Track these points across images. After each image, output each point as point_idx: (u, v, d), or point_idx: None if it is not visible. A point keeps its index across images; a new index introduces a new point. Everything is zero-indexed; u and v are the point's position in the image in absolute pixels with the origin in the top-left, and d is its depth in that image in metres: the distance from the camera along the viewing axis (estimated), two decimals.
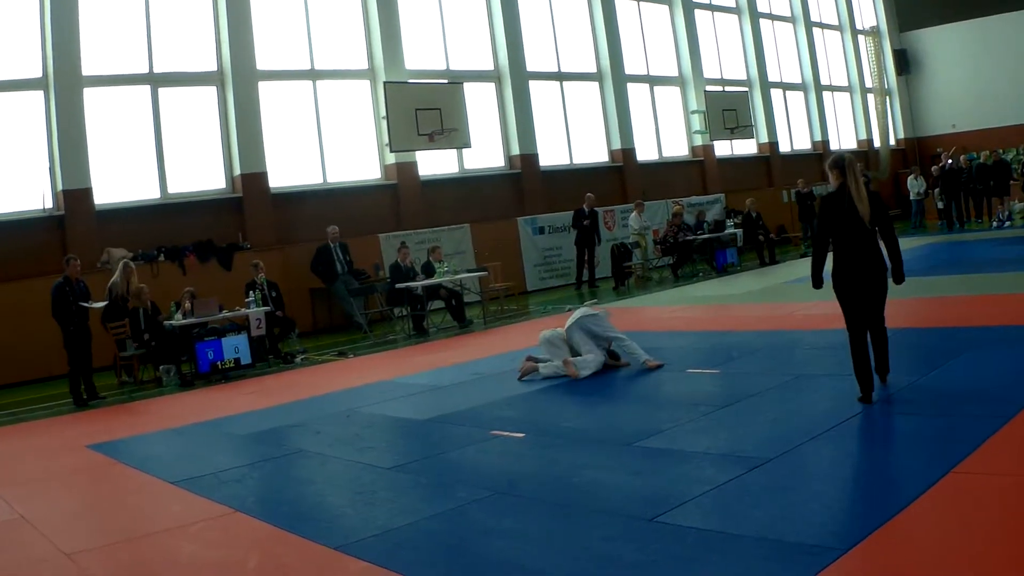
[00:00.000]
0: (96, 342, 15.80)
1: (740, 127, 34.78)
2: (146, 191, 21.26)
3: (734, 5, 37.34)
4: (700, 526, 6.35)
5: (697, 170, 33.84)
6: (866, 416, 8.61)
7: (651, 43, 33.55)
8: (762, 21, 38.26)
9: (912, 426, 8.27)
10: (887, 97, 44.02)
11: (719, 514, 6.65)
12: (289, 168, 23.49)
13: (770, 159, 37.26)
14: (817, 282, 10.03)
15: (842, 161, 9.79)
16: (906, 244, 26.22)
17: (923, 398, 9.15)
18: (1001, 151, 35.33)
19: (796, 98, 40.32)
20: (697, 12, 35.13)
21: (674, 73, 34.26)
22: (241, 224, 22.01)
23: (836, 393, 9.74)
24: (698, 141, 34.24)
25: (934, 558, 5.44)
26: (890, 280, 9.54)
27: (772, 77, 38.44)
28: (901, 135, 45.26)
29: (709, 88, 34.49)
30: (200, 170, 22.15)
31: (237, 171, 22.23)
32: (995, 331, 12.05)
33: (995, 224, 22.32)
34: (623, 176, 30.99)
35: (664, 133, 33.81)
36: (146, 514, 8.28)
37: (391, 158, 24.87)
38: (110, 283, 16.97)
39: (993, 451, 7.08)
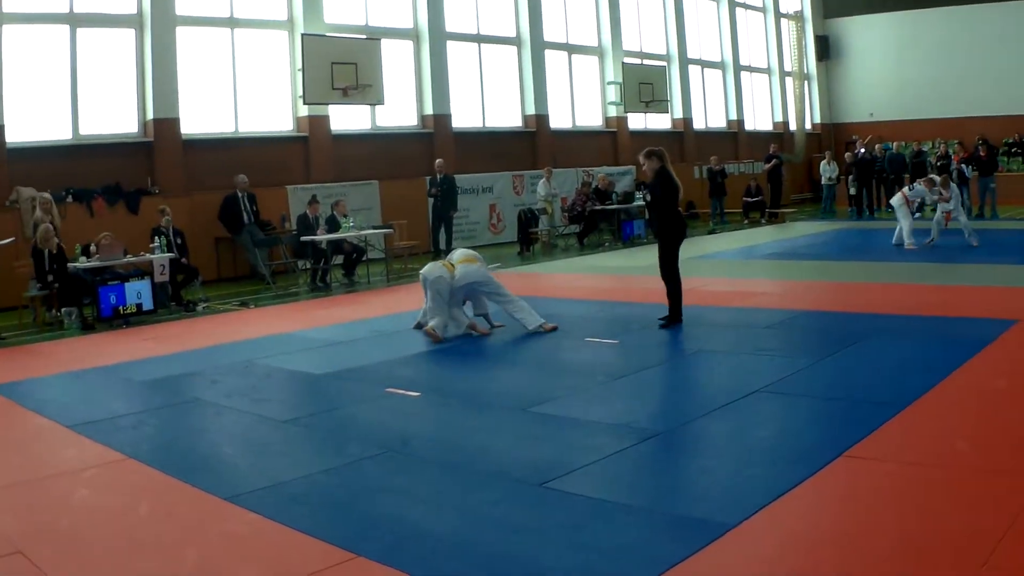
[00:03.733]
0: None
1: (656, 101, 34.95)
2: (58, 131, 21.00)
3: None
4: (588, 494, 6.50)
5: (609, 141, 34.00)
6: (761, 396, 8.78)
7: (571, 11, 33.54)
8: None
9: (807, 408, 8.53)
10: (806, 81, 44.48)
11: (609, 483, 6.83)
12: (202, 115, 23.28)
13: (683, 135, 37.46)
14: None
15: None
16: (815, 228, 27.04)
17: (821, 381, 9.43)
18: (920, 143, 35.91)
19: (714, 76, 40.52)
20: None
21: (593, 43, 34.32)
22: (151, 169, 21.83)
23: (734, 370, 10.00)
24: (612, 112, 34.34)
25: (816, 539, 5.67)
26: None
27: (692, 54, 38.57)
28: (817, 120, 45.70)
29: (627, 60, 34.58)
30: (113, 113, 21.90)
31: (150, 116, 22.00)
32: (895, 319, 12.37)
33: (890, 210, 22.91)
34: (535, 142, 31.05)
35: (579, 102, 33.88)
36: (41, 457, 8.31)
37: (304, 111, 24.76)
38: (34, 219, 16.91)
39: (884, 438, 7.31)
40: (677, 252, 12.96)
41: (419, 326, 13.46)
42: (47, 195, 17.76)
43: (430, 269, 13.23)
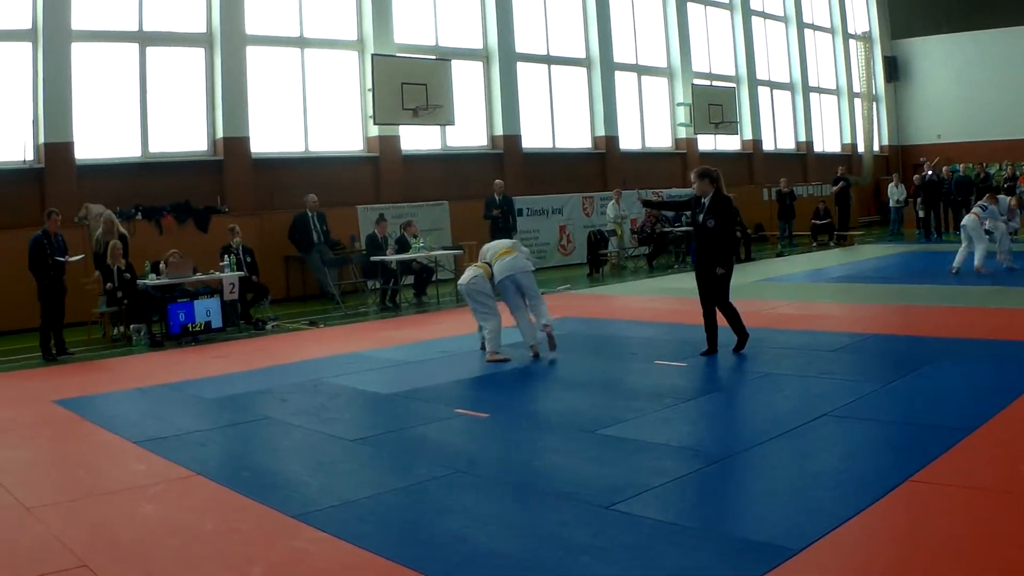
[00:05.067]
0: (69, 297, 15.78)
1: (725, 122, 34.85)
2: (128, 149, 21.19)
3: (727, 1, 37.28)
4: (655, 516, 6.35)
5: (679, 163, 33.82)
6: (828, 420, 8.58)
7: (642, 32, 33.54)
8: (754, 19, 38.25)
9: (874, 432, 8.28)
10: (874, 103, 44.09)
11: (675, 506, 6.68)
12: (272, 134, 23.46)
13: (752, 156, 37.32)
14: None
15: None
16: (883, 251, 26.65)
17: (887, 406, 9.16)
18: (985, 165, 35.42)
19: (783, 97, 40.34)
20: (690, 5, 35.12)
21: (663, 64, 34.27)
22: (220, 187, 21.99)
23: (800, 394, 9.79)
24: (682, 134, 34.25)
25: (882, 565, 5.47)
26: None
27: (760, 75, 38.46)
28: (885, 142, 45.32)
29: (697, 82, 34.51)
30: (182, 131, 22.10)
31: (220, 134, 22.19)
32: (962, 343, 12.09)
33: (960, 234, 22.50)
34: (604, 163, 31.03)
35: (649, 123, 33.84)
36: (108, 472, 8.28)
37: (374, 130, 24.88)
38: (95, 237, 17.00)
39: (951, 463, 7.10)
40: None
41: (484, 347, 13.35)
42: (110, 212, 17.82)
43: (463, 277, 13.12)
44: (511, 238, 23.96)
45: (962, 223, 20.89)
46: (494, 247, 13.46)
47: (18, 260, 15.53)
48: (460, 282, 13.23)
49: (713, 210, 12.01)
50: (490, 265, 13.02)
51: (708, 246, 12.04)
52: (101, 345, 16.43)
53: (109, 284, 16.48)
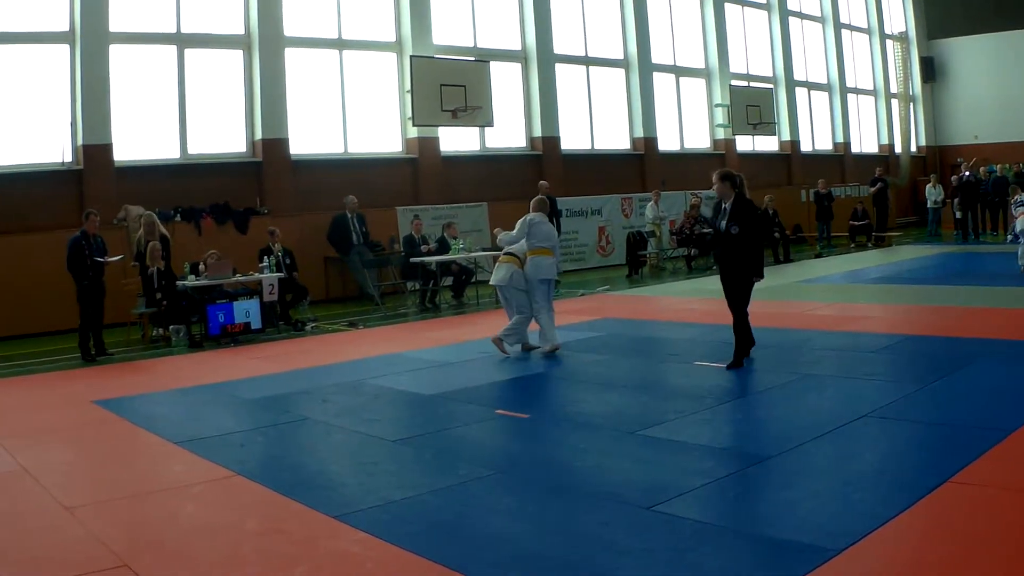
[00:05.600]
0: (108, 299, 15.82)
1: (763, 123, 34.72)
2: (166, 150, 21.28)
3: (765, 1, 37.15)
4: (696, 517, 6.36)
5: (718, 163, 33.44)
6: (868, 421, 8.53)
7: (679, 33, 33.44)
8: (791, 19, 38.10)
9: (914, 433, 8.24)
10: (911, 103, 43.85)
11: (716, 507, 6.70)
12: (310, 136, 23.48)
13: (791, 157, 37.16)
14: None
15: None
16: (921, 252, 26.47)
17: (927, 407, 9.12)
18: (1022, 165, 35.09)
19: (820, 98, 40.15)
20: (727, 6, 35.04)
21: (700, 65, 34.17)
22: (259, 189, 22.03)
23: (841, 395, 9.75)
24: (720, 135, 34.15)
25: (922, 565, 5.44)
26: None
27: (798, 75, 38.29)
28: (923, 142, 45.11)
29: (734, 82, 34.42)
30: (221, 133, 22.17)
31: (258, 135, 22.23)
32: (1002, 344, 12.00)
33: (1009, 238, 22.17)
34: (643, 164, 30.94)
35: (687, 124, 33.75)
36: (148, 472, 8.31)
37: (413, 132, 24.87)
38: (136, 238, 17.03)
39: (991, 463, 7.06)
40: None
41: (526, 348, 13.31)
42: (150, 213, 17.84)
43: (500, 275, 13.18)
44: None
45: (1017, 222, 20.54)
46: (538, 235, 13.35)
47: (57, 261, 15.54)
48: (497, 281, 13.22)
49: (736, 216, 11.39)
50: (518, 257, 13.05)
51: (732, 254, 11.49)
52: (140, 346, 16.48)
53: (143, 269, 16.57)
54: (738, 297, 11.58)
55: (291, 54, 22.98)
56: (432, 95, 24.13)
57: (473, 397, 10.74)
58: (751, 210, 11.59)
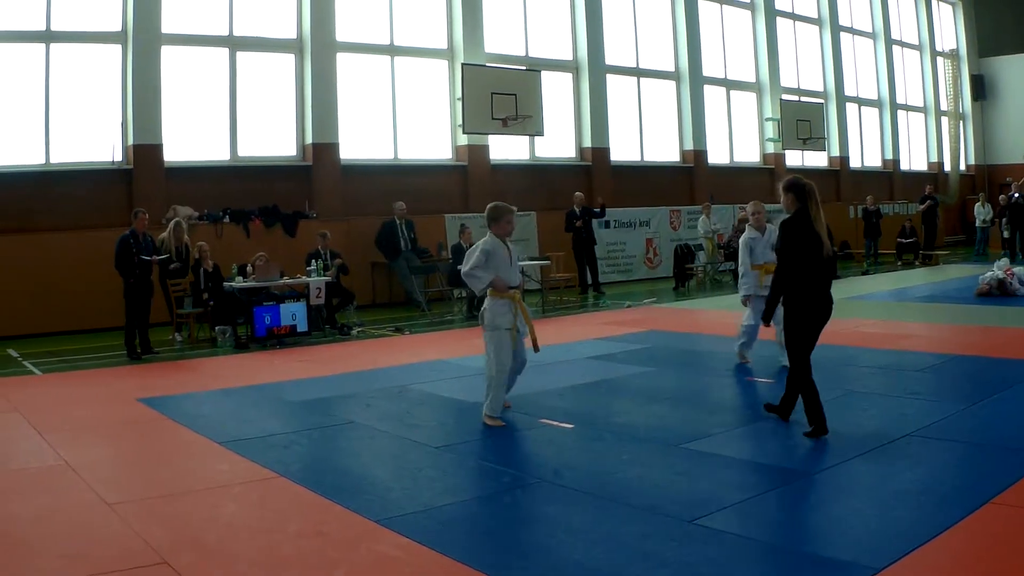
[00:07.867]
0: (155, 297, 15.90)
1: (813, 138, 34.53)
2: (216, 152, 21.42)
3: (816, 16, 37.04)
4: (738, 532, 6.34)
5: (767, 178, 33.42)
6: (912, 440, 8.47)
7: (731, 47, 33.41)
8: (843, 35, 37.94)
9: (956, 453, 8.18)
10: (961, 121, 43.56)
11: (758, 522, 6.65)
12: (360, 141, 23.57)
13: (840, 173, 36.95)
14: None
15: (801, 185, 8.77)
16: (968, 271, 26.19)
17: (971, 427, 9.04)
18: None
19: (870, 114, 39.98)
20: (779, 20, 34.93)
21: (751, 79, 34.08)
22: (308, 193, 22.10)
23: (884, 413, 9.65)
24: (770, 149, 34.00)
25: None
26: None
27: (848, 91, 38.15)
28: (972, 161, 44.84)
29: (785, 97, 34.28)
30: (271, 136, 22.29)
31: (309, 140, 22.32)
32: None
33: None
34: (692, 178, 30.87)
35: (737, 138, 33.69)
36: (191, 471, 8.31)
37: (463, 139, 24.92)
38: (159, 239, 17.07)
39: None
40: (814, 336, 8.93)
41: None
42: (180, 220, 17.89)
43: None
44: (594, 254, 24.02)
45: None
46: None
47: (106, 259, 15.65)
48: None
49: (780, 237, 8.93)
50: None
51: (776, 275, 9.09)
52: (186, 345, 16.53)
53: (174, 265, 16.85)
54: (787, 337, 9.13)
55: (343, 59, 23.06)
56: (483, 103, 24.14)
57: (517, 406, 10.68)
58: (798, 228, 8.66)
